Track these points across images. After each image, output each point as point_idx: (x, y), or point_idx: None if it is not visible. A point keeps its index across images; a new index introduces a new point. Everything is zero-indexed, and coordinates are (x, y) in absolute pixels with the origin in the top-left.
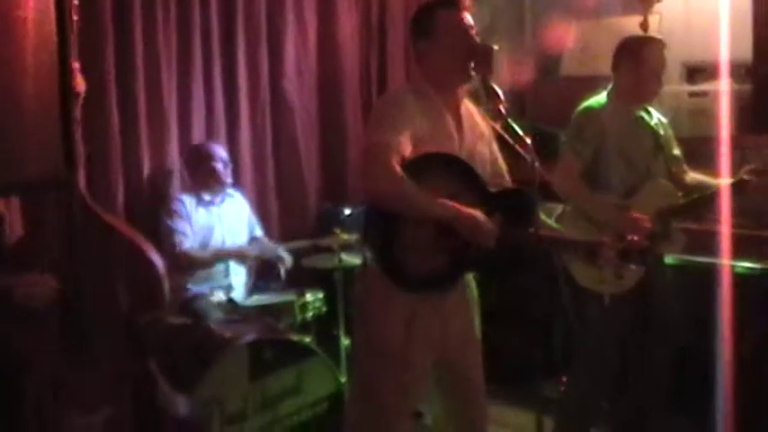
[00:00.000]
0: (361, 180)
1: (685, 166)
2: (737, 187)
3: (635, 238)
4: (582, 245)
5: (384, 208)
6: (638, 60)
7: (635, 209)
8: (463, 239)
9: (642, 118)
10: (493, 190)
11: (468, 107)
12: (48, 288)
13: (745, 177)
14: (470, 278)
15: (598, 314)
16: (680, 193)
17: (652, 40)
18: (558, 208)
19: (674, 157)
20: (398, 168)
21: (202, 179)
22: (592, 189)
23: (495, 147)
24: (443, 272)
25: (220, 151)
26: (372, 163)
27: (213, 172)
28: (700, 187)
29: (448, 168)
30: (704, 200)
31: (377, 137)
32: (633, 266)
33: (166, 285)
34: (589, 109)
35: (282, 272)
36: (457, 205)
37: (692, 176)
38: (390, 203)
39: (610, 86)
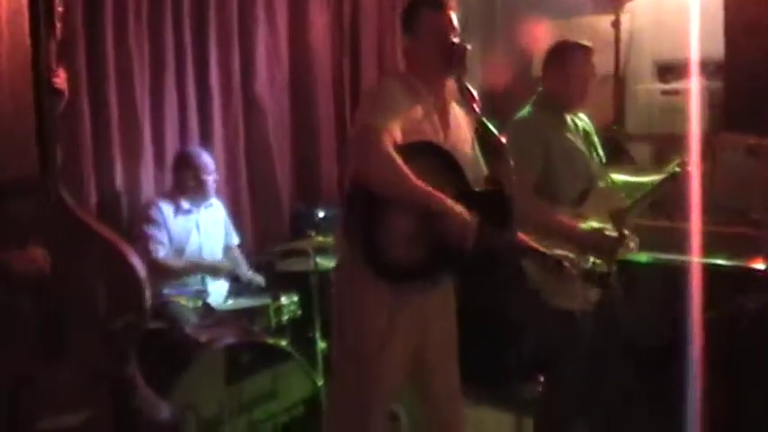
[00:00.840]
0: (354, 162)
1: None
2: (672, 180)
3: (597, 262)
4: (549, 258)
5: (376, 192)
6: (562, 65)
7: (588, 217)
8: (442, 234)
9: (574, 122)
10: (476, 189)
11: (455, 108)
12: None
13: (677, 170)
14: (449, 283)
15: (569, 331)
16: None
17: (577, 45)
18: None
19: (601, 158)
20: (394, 153)
21: (187, 188)
22: (546, 200)
23: (476, 148)
24: (421, 265)
25: (211, 163)
26: (368, 146)
27: (202, 184)
28: (624, 187)
29: (435, 159)
30: (649, 196)
31: (370, 120)
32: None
33: (147, 289)
34: (522, 121)
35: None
36: (449, 201)
37: (613, 178)
38: (385, 188)
39: (537, 93)
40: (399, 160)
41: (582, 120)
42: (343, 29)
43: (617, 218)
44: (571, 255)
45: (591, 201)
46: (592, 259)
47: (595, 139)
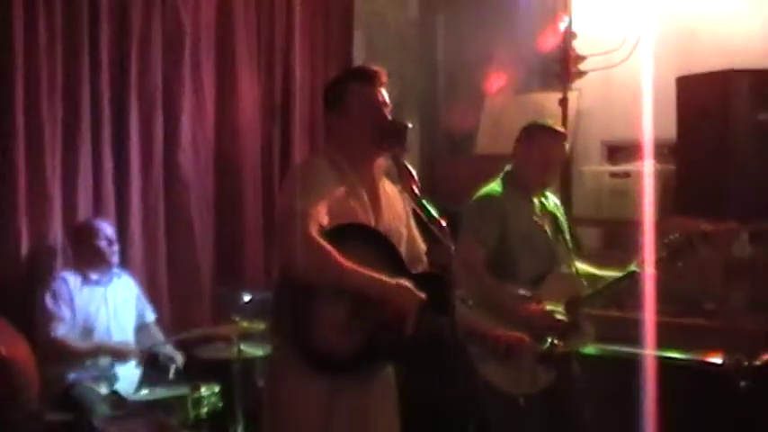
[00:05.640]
0: (280, 249)
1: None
2: (629, 280)
3: (556, 342)
4: (501, 340)
5: (302, 279)
6: (533, 148)
7: (543, 299)
8: (379, 320)
9: (541, 203)
10: (413, 271)
11: (386, 186)
12: None
13: (636, 270)
14: (392, 376)
15: (513, 416)
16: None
17: (548, 129)
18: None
19: (567, 242)
20: (319, 237)
21: (86, 258)
22: (497, 280)
23: (413, 228)
24: (357, 353)
25: (105, 228)
26: (291, 231)
27: (97, 250)
28: (586, 278)
29: (366, 242)
30: (606, 291)
31: (293, 203)
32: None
33: (28, 378)
34: (488, 196)
35: (172, 372)
36: (384, 277)
37: (578, 267)
38: (314, 275)
39: (505, 171)
40: (328, 245)
41: (550, 200)
42: (273, 101)
43: (571, 306)
44: (526, 337)
45: (549, 284)
46: (550, 339)
47: (563, 222)
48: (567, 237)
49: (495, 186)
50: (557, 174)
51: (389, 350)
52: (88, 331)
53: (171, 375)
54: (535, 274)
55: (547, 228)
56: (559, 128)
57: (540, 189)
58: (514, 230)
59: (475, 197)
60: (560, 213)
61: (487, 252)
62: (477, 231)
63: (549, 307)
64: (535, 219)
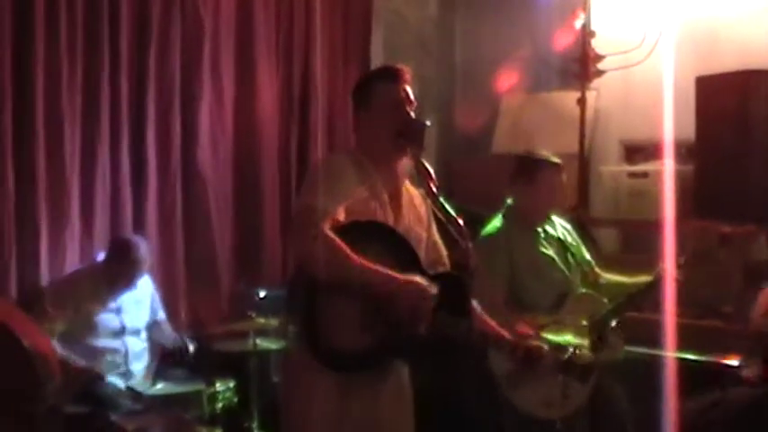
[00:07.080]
0: (291, 243)
1: (597, 269)
2: (656, 285)
3: (577, 350)
4: (520, 345)
5: (315, 273)
6: (530, 182)
7: (566, 323)
8: (391, 320)
9: (546, 231)
10: (430, 271)
11: (409, 189)
12: None
13: (655, 280)
14: (406, 377)
15: None
16: (604, 299)
17: (546, 162)
18: None
19: (586, 261)
20: (333, 234)
21: (118, 280)
22: (518, 311)
23: (434, 233)
24: (368, 352)
25: (147, 254)
26: (304, 225)
27: (134, 278)
28: (615, 287)
29: (382, 240)
30: (631, 301)
31: (311, 199)
32: (575, 384)
33: (51, 371)
34: (490, 238)
35: (187, 357)
36: (395, 274)
37: (606, 277)
38: (324, 270)
39: (506, 207)
40: (339, 240)
41: (556, 224)
42: (292, 100)
43: (594, 325)
44: (545, 345)
45: (569, 306)
46: (572, 349)
47: (573, 242)
48: (584, 257)
49: (496, 224)
50: (557, 205)
51: (400, 350)
52: (93, 326)
53: (186, 358)
54: (549, 300)
55: (555, 255)
56: (556, 158)
57: (543, 220)
58: (521, 265)
59: (481, 238)
60: (568, 235)
61: (503, 292)
62: (490, 269)
63: (572, 338)
64: (542, 249)
